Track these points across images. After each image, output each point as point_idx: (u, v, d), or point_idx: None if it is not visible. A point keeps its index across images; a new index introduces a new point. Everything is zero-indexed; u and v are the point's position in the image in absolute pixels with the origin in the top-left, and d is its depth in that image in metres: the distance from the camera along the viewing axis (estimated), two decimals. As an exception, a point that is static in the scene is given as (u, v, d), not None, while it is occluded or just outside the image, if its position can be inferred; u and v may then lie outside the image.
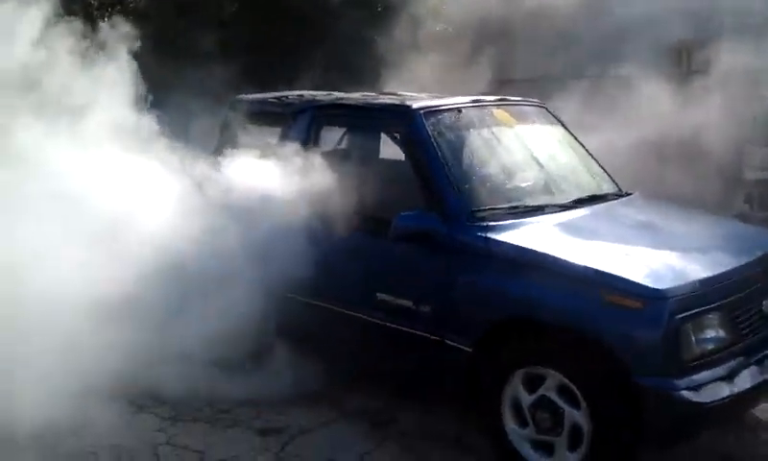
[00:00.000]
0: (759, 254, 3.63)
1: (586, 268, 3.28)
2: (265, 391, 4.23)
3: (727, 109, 7.92)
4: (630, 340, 3.13)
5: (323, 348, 4.32)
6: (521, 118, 4.46)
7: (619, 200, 4.28)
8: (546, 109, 4.72)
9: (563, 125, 4.68)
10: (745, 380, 3.21)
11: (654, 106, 7.63)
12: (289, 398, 4.23)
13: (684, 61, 10.40)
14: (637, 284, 3.15)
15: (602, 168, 4.58)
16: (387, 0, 9.52)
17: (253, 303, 4.10)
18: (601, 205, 4.10)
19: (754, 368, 3.27)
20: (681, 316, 3.10)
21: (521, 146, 4.23)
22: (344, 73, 8.20)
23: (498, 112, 4.29)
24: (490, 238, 3.56)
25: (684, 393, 3.06)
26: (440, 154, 3.85)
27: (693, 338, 3.14)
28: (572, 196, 4.06)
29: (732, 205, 9.28)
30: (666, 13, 8.84)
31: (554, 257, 3.38)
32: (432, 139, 3.89)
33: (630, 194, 4.42)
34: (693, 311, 3.14)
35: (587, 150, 4.63)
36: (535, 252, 3.44)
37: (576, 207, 3.95)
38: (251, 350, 4.31)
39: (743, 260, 3.49)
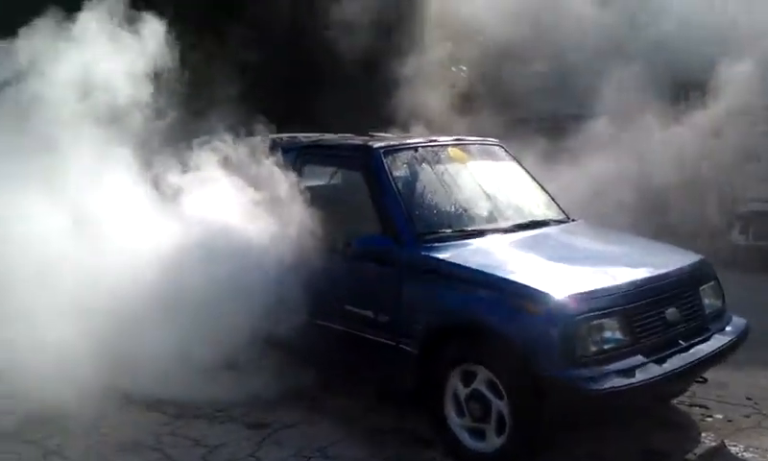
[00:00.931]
0: (665, 270, 4.24)
1: (503, 279, 3.96)
2: (257, 393, 4.94)
3: (726, 145, 8.43)
4: (536, 339, 3.77)
5: (307, 355, 5.01)
6: (476, 155, 5.16)
7: (559, 225, 4.92)
8: (503, 147, 5.40)
9: (517, 161, 5.36)
10: (641, 375, 3.79)
11: (658, 141, 8.19)
12: (277, 399, 4.94)
13: (683, 98, 10.94)
14: (540, 292, 3.81)
15: (552, 199, 5.23)
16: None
17: (247, 318, 4.82)
18: (539, 229, 4.76)
19: (652, 365, 3.85)
20: (576, 319, 3.74)
21: (471, 180, 4.91)
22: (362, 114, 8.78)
23: (453, 150, 4.99)
24: (430, 256, 4.26)
25: (580, 383, 3.68)
26: (394, 185, 4.57)
27: (589, 338, 3.77)
28: (513, 222, 4.72)
29: (729, 234, 9.75)
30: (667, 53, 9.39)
31: (479, 271, 4.07)
32: (388, 173, 4.61)
33: (574, 220, 5.05)
34: (588, 315, 3.78)
35: (539, 183, 5.29)
36: (464, 267, 4.13)
37: (514, 232, 4.61)
38: (246, 358, 5.03)
39: (644, 275, 4.11)
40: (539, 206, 5.11)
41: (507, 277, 3.97)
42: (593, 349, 3.77)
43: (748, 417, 4.73)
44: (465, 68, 10.90)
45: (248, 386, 4.98)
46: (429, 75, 9.61)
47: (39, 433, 4.55)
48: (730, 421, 4.68)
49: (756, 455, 4.22)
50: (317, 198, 4.93)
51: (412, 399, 4.45)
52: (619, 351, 3.83)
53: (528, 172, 5.35)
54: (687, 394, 4.86)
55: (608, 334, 3.83)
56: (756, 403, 4.92)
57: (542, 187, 5.29)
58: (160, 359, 4.89)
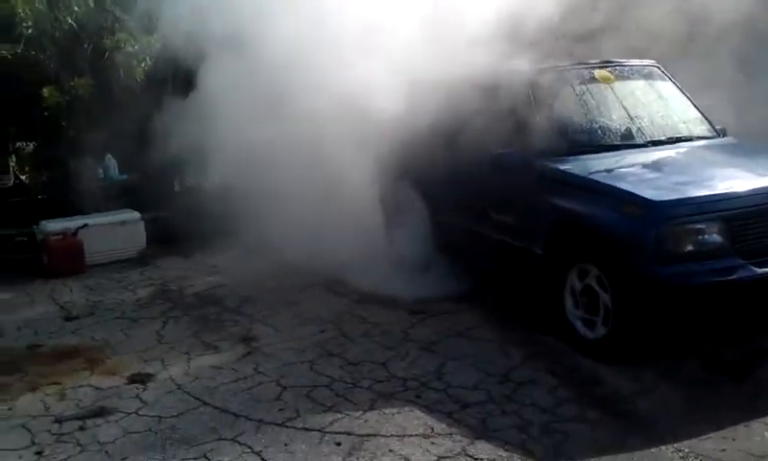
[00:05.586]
0: None
1: (610, 186, 4.40)
2: (427, 289, 5.82)
3: None
4: (635, 239, 4.18)
5: (463, 256, 5.76)
6: (627, 76, 5.44)
7: (702, 141, 5.10)
8: (659, 68, 5.60)
9: (672, 82, 5.53)
10: (734, 275, 4.05)
11: None
12: (441, 294, 5.76)
13: None
14: (641, 198, 4.19)
15: (704, 117, 5.37)
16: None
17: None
18: (676, 145, 5.01)
19: (749, 267, 4.07)
20: (671, 221, 4.08)
21: (614, 99, 5.23)
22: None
23: (599, 72, 5.31)
24: (556, 168, 4.76)
25: (670, 278, 4.04)
26: (534, 104, 5.06)
27: (683, 239, 4.10)
28: (650, 138, 5.02)
29: None
30: None
31: (592, 180, 4.53)
32: (531, 93, 5.11)
33: (722, 137, 5.20)
34: (684, 219, 4.10)
35: (693, 103, 5.44)
36: (581, 176, 4.60)
37: (647, 147, 4.92)
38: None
39: (753, 186, 4.29)
40: (686, 123, 5.30)
41: (614, 184, 4.38)
42: (687, 249, 4.10)
43: None
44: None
45: (421, 284, 5.91)
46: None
47: (254, 308, 5.90)
48: None
49: None
50: (487, 117, 5.52)
51: (539, 295, 5.00)
52: (715, 253, 4.10)
53: (684, 92, 5.50)
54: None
55: (703, 237, 4.11)
56: None
57: (696, 107, 5.44)
58: (361, 257, 6.09)
